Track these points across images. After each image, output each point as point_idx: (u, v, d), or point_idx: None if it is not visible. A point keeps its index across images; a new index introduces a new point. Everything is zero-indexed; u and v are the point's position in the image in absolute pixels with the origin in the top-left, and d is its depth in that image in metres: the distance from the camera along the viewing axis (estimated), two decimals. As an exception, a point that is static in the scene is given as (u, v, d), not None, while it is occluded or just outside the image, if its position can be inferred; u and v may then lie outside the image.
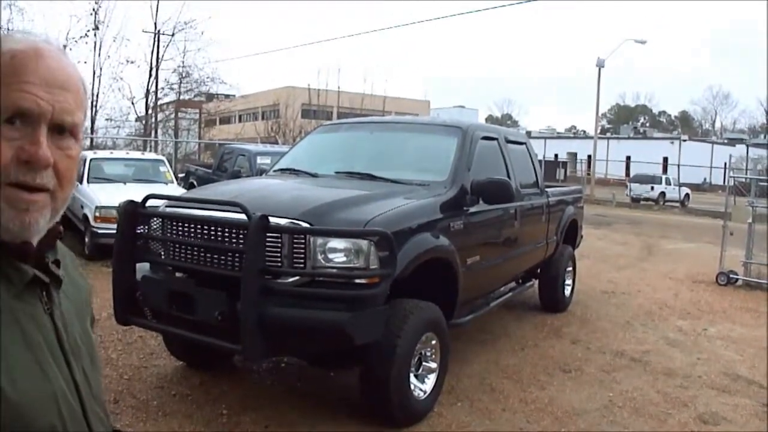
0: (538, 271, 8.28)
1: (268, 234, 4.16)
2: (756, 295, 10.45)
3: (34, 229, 1.07)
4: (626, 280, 11.34)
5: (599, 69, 38.77)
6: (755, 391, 5.97)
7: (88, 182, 12.05)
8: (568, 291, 8.84)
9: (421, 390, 4.83)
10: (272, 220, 4.18)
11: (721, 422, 5.22)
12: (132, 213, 4.82)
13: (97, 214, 10.45)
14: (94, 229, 10.46)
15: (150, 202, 4.92)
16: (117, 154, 15.10)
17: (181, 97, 37.40)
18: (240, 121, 56.11)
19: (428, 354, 4.91)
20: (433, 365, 4.95)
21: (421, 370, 4.87)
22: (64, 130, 1.08)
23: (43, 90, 1.03)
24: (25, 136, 1.02)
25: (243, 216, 4.20)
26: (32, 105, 1.02)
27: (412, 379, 4.72)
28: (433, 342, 4.90)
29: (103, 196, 10.66)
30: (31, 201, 1.04)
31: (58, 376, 1.07)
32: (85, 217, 11.00)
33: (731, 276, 11.21)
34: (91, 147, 25.87)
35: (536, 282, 8.39)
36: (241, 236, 4.27)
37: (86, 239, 10.99)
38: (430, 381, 4.93)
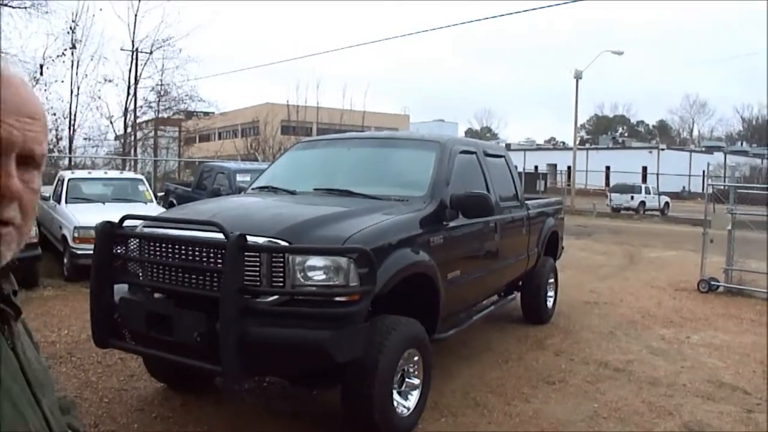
0: (520, 283, 8.27)
1: (246, 253, 4.12)
2: (737, 302, 10.51)
3: (1, 263, 1.02)
4: (609, 289, 11.37)
5: (577, 80, 39.12)
6: (740, 398, 5.97)
7: (66, 202, 11.98)
8: (550, 302, 8.83)
9: (404, 407, 4.79)
10: (250, 239, 4.14)
11: (707, 429, 5.21)
12: (109, 234, 4.76)
13: (76, 234, 10.37)
14: (73, 250, 10.38)
15: (127, 223, 4.87)
16: (95, 173, 14.99)
17: (160, 115, 37.27)
18: (220, 138, 55.89)
19: (411, 370, 4.87)
20: (416, 381, 4.92)
21: (404, 386, 4.83)
22: (29, 162, 1.03)
23: (13, 118, 0.99)
24: None
25: (221, 235, 4.15)
26: (6, 134, 0.98)
27: (395, 395, 4.68)
28: (416, 358, 4.86)
29: (82, 217, 10.58)
30: (1, 234, 1.00)
31: (32, 415, 1.03)
32: (64, 237, 10.93)
33: (712, 283, 11.27)
34: (70, 167, 25.69)
35: (518, 294, 8.39)
36: (219, 256, 4.22)
37: (65, 260, 10.91)
38: (414, 397, 4.89)
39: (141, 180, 14.11)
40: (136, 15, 34.29)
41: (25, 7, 24.25)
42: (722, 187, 12.92)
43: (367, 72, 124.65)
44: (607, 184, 51.16)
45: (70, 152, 31.12)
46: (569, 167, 45.22)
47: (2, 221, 0.99)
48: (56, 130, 31.18)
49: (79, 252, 10.14)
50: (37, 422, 1.04)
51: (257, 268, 4.17)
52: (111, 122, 35.29)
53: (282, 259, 4.17)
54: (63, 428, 1.17)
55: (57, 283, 10.49)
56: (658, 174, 45.96)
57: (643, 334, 8.22)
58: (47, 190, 13.93)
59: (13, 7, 23.93)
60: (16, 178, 0.98)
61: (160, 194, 18.63)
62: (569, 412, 5.50)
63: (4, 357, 1.03)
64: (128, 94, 34.85)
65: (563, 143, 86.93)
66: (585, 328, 8.46)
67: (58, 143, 31.38)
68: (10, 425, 0.96)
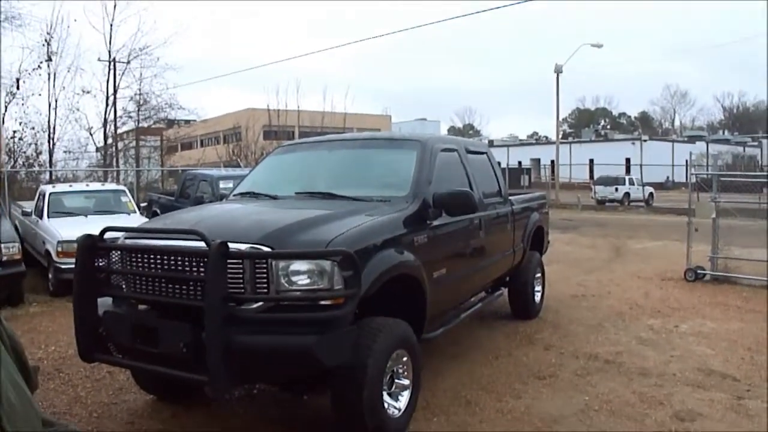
0: (507, 279, 8.27)
1: (228, 261, 4.08)
2: (724, 289, 10.56)
3: None
4: (596, 282, 11.40)
5: (557, 75, 39.30)
6: (729, 385, 5.99)
7: (48, 217, 11.91)
8: (538, 297, 8.85)
9: (395, 408, 4.76)
10: (232, 246, 4.11)
11: (698, 418, 5.21)
12: (90, 247, 4.72)
13: (60, 249, 10.31)
14: (58, 265, 10.33)
15: (108, 235, 4.82)
16: (77, 186, 14.87)
17: (141, 125, 37.14)
18: (202, 145, 55.83)
19: (400, 371, 4.85)
20: (406, 382, 4.89)
21: (394, 387, 4.81)
22: None
23: None
24: None
25: (202, 244, 4.12)
26: None
27: (386, 397, 4.65)
28: (405, 359, 4.84)
29: (65, 231, 10.51)
30: None
31: None
32: (48, 252, 10.86)
33: (699, 272, 11.32)
34: (51, 181, 25.51)
35: (506, 290, 8.38)
36: (201, 265, 4.19)
37: (50, 275, 10.84)
38: (404, 398, 4.86)
39: (123, 191, 14.03)
40: (111, 25, 34.24)
41: (-1, 21, 24.06)
42: (705, 176, 12.96)
43: (346, 74, 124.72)
44: (591, 177, 51.38)
45: (50, 166, 30.96)
46: (553, 161, 45.31)
47: None
48: (36, 144, 31.05)
49: (63, 267, 10.06)
50: None
51: (240, 276, 4.13)
52: (91, 134, 35.22)
53: (265, 265, 4.14)
54: None
55: (43, 299, 10.40)
56: (641, 165, 46.15)
57: (632, 325, 8.24)
58: (29, 206, 13.85)
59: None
60: None
61: (143, 204, 18.54)
62: (561, 406, 5.49)
63: None
64: (107, 104, 34.78)
65: (546, 138, 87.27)
66: (573, 321, 8.47)
67: (38, 157, 31.24)
68: None
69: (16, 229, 11.78)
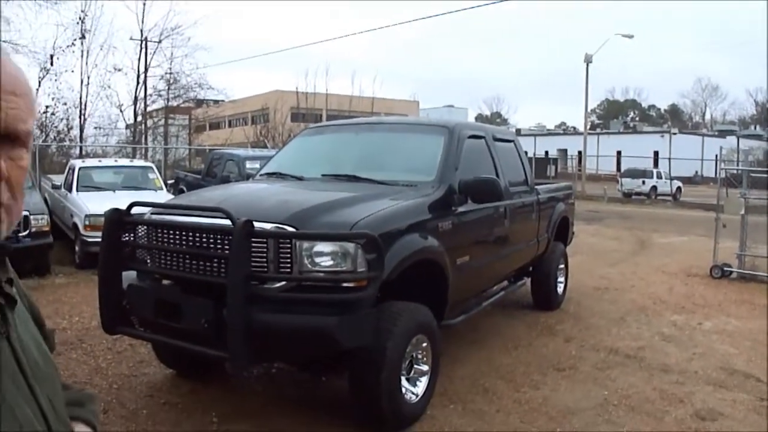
0: (530, 269, 8.24)
1: (253, 239, 4.10)
2: (751, 288, 10.42)
3: None
4: (619, 275, 11.31)
5: (587, 64, 38.88)
6: (753, 386, 5.91)
7: (77, 191, 12.04)
8: (560, 288, 8.79)
9: (412, 393, 4.77)
10: (257, 225, 4.12)
11: (719, 418, 5.15)
12: (117, 221, 4.75)
13: (87, 222, 10.42)
14: (84, 238, 10.44)
15: (135, 210, 4.86)
16: (105, 162, 15.04)
17: (170, 104, 37.38)
18: (229, 126, 56.00)
19: (419, 356, 4.85)
20: (425, 368, 4.89)
21: (412, 372, 4.81)
22: (16, 140, 1.00)
23: None
24: None
25: (228, 222, 4.14)
26: None
27: (404, 382, 4.66)
28: (424, 344, 4.84)
29: (93, 205, 10.62)
30: None
31: (23, 405, 1.01)
32: (75, 225, 10.99)
33: (725, 269, 11.18)
34: (81, 155, 25.77)
35: (528, 280, 8.34)
36: (226, 242, 4.21)
37: (76, 248, 10.98)
38: (422, 384, 4.87)
39: (151, 168, 14.13)
40: (144, 4, 34.53)
41: (35, -1, 24.27)
42: (735, 172, 12.80)
43: (375, 58, 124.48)
44: (618, 169, 50.89)
45: (81, 141, 31.24)
46: (580, 152, 44.98)
47: None
48: (67, 119, 31.38)
49: (90, 240, 10.17)
50: (29, 412, 1.02)
51: (264, 255, 4.15)
52: (121, 111, 35.51)
53: (289, 245, 4.15)
54: (63, 417, 1.15)
55: (68, 271, 10.54)
56: (670, 158, 45.54)
57: (654, 321, 8.17)
58: (58, 179, 14.01)
59: None
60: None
61: (170, 182, 18.66)
62: (579, 399, 5.47)
63: None
64: (138, 83, 35.05)
65: (574, 128, 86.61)
66: (595, 314, 8.41)
67: (69, 132, 31.56)
68: None
69: (46, 201, 11.93)
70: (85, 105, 32.66)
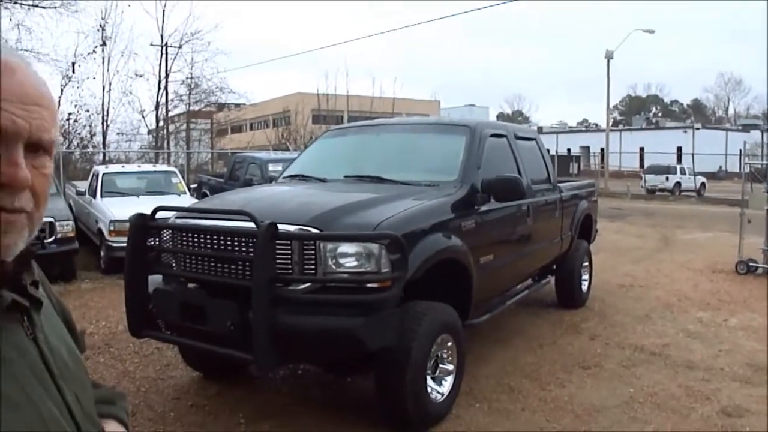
0: (554, 267, 8.22)
1: (277, 241, 4.13)
2: (776, 283, 10.31)
3: (11, 251, 1.02)
4: (644, 272, 11.24)
5: (608, 60, 38.66)
6: (779, 381, 5.86)
7: (101, 196, 12.17)
8: (584, 286, 8.75)
9: (438, 392, 4.78)
10: (281, 227, 4.15)
11: (745, 414, 5.11)
12: (142, 226, 4.81)
13: (112, 228, 10.52)
14: (110, 243, 10.54)
15: (160, 214, 4.91)
16: (129, 167, 15.15)
17: (191, 108, 37.63)
18: (251, 129, 56.24)
19: (444, 356, 4.86)
20: (450, 367, 4.91)
21: (438, 372, 4.82)
22: (39, 148, 1.03)
23: (17, 107, 0.98)
24: (1, 157, 0.98)
25: (252, 224, 4.17)
26: (8, 123, 0.97)
27: (429, 381, 4.67)
28: (449, 343, 4.85)
29: (117, 210, 10.71)
30: (9, 222, 1.00)
31: (49, 404, 1.03)
32: (100, 231, 11.11)
33: (751, 264, 11.06)
34: (104, 161, 26.02)
35: (552, 278, 8.32)
36: (250, 245, 4.24)
37: (102, 253, 11.09)
38: (448, 383, 4.88)
39: (174, 172, 14.25)
40: (164, 10, 34.79)
41: (55, 7, 24.53)
42: (760, 166, 12.66)
43: (396, 59, 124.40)
44: (642, 165, 50.54)
45: (104, 147, 31.58)
46: (602, 149, 44.66)
47: (14, 210, 0.99)
48: (90, 126, 31.74)
49: (115, 245, 10.26)
50: (57, 411, 1.04)
51: (288, 257, 4.18)
52: (143, 116, 35.85)
53: (313, 247, 4.18)
54: (92, 417, 1.18)
55: (94, 276, 10.66)
56: (693, 154, 45.22)
57: (680, 317, 8.12)
58: (83, 185, 14.15)
59: (44, 8, 24.22)
60: (23, 167, 0.98)
61: (193, 186, 18.79)
62: (604, 397, 5.45)
63: (21, 346, 1.03)
64: (159, 88, 35.32)
65: (596, 125, 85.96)
66: (620, 311, 8.37)
67: (92, 139, 31.91)
68: (13, 410, 0.96)
69: (70, 207, 12.05)
70: (108, 111, 33.05)
